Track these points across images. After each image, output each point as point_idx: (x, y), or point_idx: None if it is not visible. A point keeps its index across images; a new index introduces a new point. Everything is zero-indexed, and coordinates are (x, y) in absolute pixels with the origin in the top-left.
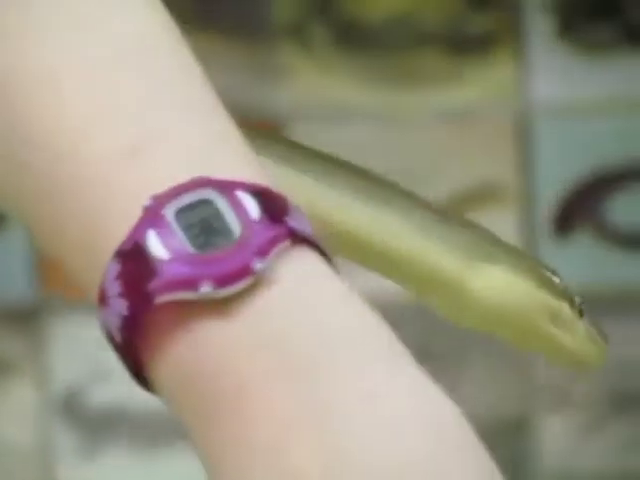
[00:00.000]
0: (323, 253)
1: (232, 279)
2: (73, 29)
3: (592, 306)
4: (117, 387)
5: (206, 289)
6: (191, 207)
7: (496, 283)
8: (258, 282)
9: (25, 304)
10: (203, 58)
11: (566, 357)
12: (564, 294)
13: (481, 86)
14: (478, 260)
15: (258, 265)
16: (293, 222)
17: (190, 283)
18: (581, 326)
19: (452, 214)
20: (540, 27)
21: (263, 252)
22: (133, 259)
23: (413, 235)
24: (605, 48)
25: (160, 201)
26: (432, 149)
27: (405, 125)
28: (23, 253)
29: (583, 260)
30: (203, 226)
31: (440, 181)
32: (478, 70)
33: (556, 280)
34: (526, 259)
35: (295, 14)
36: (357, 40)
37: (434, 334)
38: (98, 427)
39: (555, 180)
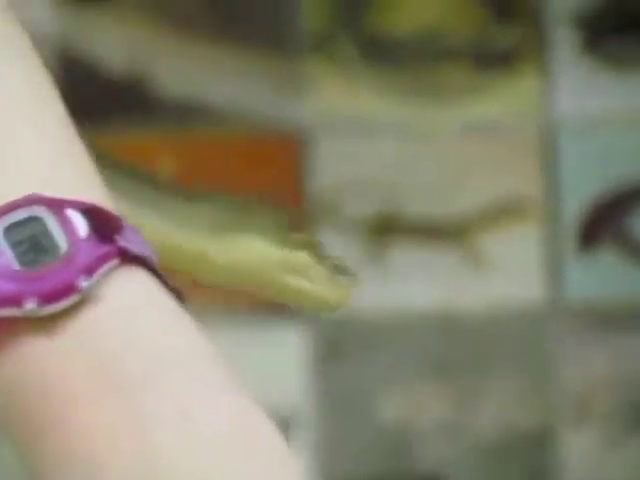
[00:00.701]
0: (156, 272)
1: (57, 296)
2: None
3: (616, 320)
4: None
5: (31, 306)
6: (21, 224)
7: (235, 249)
8: (84, 300)
9: None
10: (228, 69)
11: (310, 301)
12: (303, 245)
13: (506, 100)
14: (219, 232)
15: (84, 283)
16: (124, 241)
17: (14, 300)
18: (321, 271)
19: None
20: (565, 41)
21: (89, 270)
22: None
23: (165, 224)
24: (630, 63)
25: None
26: (457, 163)
27: (430, 139)
28: None
29: (607, 275)
30: (32, 243)
31: (464, 195)
32: (503, 84)
33: (299, 236)
34: (271, 226)
35: (321, 26)
36: (382, 53)
37: (455, 347)
38: None
39: (579, 195)
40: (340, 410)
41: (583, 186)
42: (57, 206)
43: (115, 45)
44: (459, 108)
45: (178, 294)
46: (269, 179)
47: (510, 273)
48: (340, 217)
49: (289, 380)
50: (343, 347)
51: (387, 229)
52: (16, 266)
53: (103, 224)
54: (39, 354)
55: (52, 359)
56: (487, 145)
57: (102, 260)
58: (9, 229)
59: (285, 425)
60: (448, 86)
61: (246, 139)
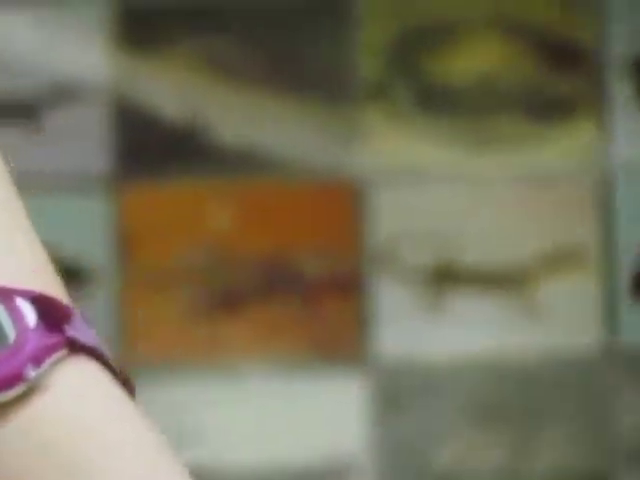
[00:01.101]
0: (104, 361)
1: (5, 385)
2: None
3: None
4: (206, 449)
5: None
6: None
7: None
8: (32, 389)
9: None
10: (285, 117)
11: None
12: None
13: (562, 149)
14: None
15: (31, 372)
16: (72, 331)
17: None
18: None
19: None
20: (621, 91)
21: (37, 359)
22: None
23: None
24: None
25: None
26: (513, 212)
27: (487, 187)
28: (106, 315)
29: None
30: None
31: (521, 244)
32: (559, 133)
33: None
34: None
35: (378, 75)
36: (439, 102)
37: (512, 393)
38: None
39: (635, 242)
40: (397, 457)
41: (639, 235)
42: (5, 295)
43: (171, 93)
44: (516, 156)
45: (126, 383)
46: (326, 228)
47: (566, 319)
48: (398, 265)
49: (347, 428)
50: (400, 395)
51: (444, 277)
52: None
53: (52, 313)
54: None
55: None
56: (544, 193)
57: (50, 350)
58: None
59: (344, 473)
60: (505, 134)
61: (303, 188)
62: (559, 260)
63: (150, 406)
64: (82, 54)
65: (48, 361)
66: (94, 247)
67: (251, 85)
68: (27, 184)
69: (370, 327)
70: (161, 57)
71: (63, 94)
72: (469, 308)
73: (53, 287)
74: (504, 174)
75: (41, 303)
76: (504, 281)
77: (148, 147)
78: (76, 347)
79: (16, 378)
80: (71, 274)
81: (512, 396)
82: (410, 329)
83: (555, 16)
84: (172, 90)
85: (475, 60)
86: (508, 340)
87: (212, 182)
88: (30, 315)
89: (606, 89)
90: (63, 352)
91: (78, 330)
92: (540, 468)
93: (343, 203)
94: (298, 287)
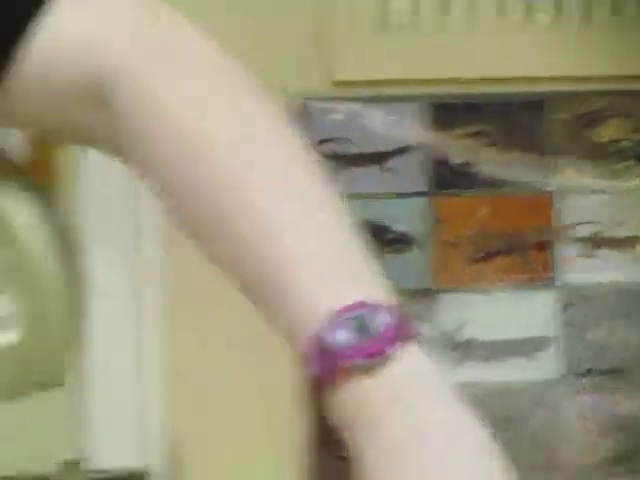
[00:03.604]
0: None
1: (374, 356)
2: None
3: None
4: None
5: (360, 361)
6: (354, 317)
7: None
8: (389, 360)
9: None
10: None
11: None
12: None
13: None
14: None
15: (387, 349)
16: (408, 325)
17: (352, 357)
18: None
19: None
20: None
21: (391, 342)
22: (322, 344)
23: None
24: None
25: (338, 314)
26: None
27: None
28: (421, 266)
29: None
30: (360, 327)
31: None
32: None
33: None
34: None
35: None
36: None
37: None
38: None
39: None
40: (578, 335)
41: None
42: (375, 307)
43: (459, 152)
44: None
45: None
46: (535, 220)
47: None
48: None
49: (541, 316)
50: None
51: None
52: (353, 340)
53: (400, 316)
54: (361, 386)
55: (368, 390)
56: None
57: (399, 338)
58: (347, 319)
59: (540, 343)
60: None
61: (514, 198)
62: None
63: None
64: (409, 130)
65: (397, 345)
66: (416, 223)
67: (503, 150)
68: None
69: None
70: (455, 133)
71: (402, 149)
72: None
73: (388, 294)
74: None
75: (393, 309)
76: None
77: (448, 179)
78: (413, 337)
79: (379, 353)
80: (399, 241)
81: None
82: None
83: None
84: (460, 150)
85: None
86: None
87: (479, 196)
88: (387, 317)
89: None
90: (406, 340)
91: (413, 327)
92: None
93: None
94: (517, 249)
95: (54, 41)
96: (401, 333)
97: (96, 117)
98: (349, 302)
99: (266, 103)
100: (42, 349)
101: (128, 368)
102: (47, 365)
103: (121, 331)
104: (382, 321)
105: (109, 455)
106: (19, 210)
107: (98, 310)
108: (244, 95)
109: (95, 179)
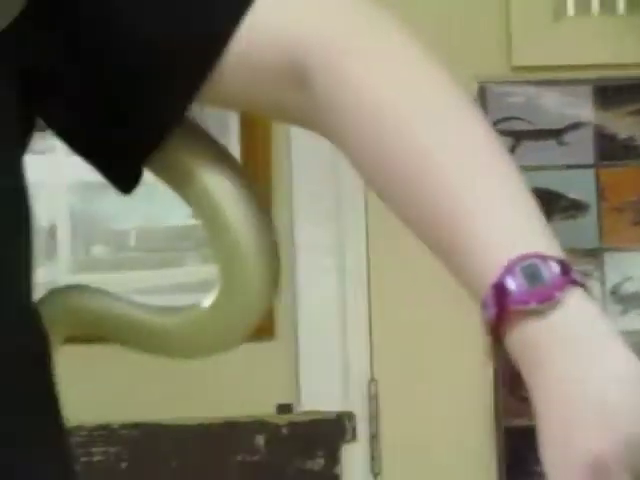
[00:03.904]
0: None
1: (545, 301)
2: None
3: None
4: None
5: (533, 305)
6: (526, 266)
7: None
8: (558, 304)
9: None
10: None
11: None
12: None
13: None
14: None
15: (557, 294)
16: (575, 275)
17: (526, 302)
18: None
19: None
20: None
21: (560, 289)
22: (499, 290)
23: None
24: None
25: (512, 263)
26: None
27: None
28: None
29: None
30: (532, 275)
31: None
32: None
33: None
34: None
35: None
36: None
37: None
38: None
39: None
40: None
41: None
42: (544, 258)
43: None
44: None
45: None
46: None
47: None
48: None
49: None
50: None
51: None
52: (526, 287)
53: (564, 265)
54: (534, 328)
55: (541, 331)
56: None
57: (566, 284)
58: (521, 268)
59: None
60: None
61: None
62: None
63: None
64: (580, 109)
65: (565, 290)
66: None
67: None
68: None
69: None
70: (621, 111)
71: (574, 125)
72: None
73: (559, 249)
74: None
75: (558, 260)
76: None
77: (615, 151)
78: (577, 284)
79: (551, 298)
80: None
81: None
82: None
83: None
84: (625, 126)
85: None
86: None
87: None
88: (555, 267)
89: None
90: (571, 286)
91: (577, 275)
92: None
93: None
94: None
95: (259, 26)
96: (569, 281)
97: (294, 96)
98: (524, 252)
99: (455, 86)
100: (241, 309)
101: (334, 320)
102: (246, 322)
103: (327, 285)
104: (552, 270)
105: (318, 399)
106: (222, 183)
107: (305, 266)
108: (437, 80)
109: (303, 156)
